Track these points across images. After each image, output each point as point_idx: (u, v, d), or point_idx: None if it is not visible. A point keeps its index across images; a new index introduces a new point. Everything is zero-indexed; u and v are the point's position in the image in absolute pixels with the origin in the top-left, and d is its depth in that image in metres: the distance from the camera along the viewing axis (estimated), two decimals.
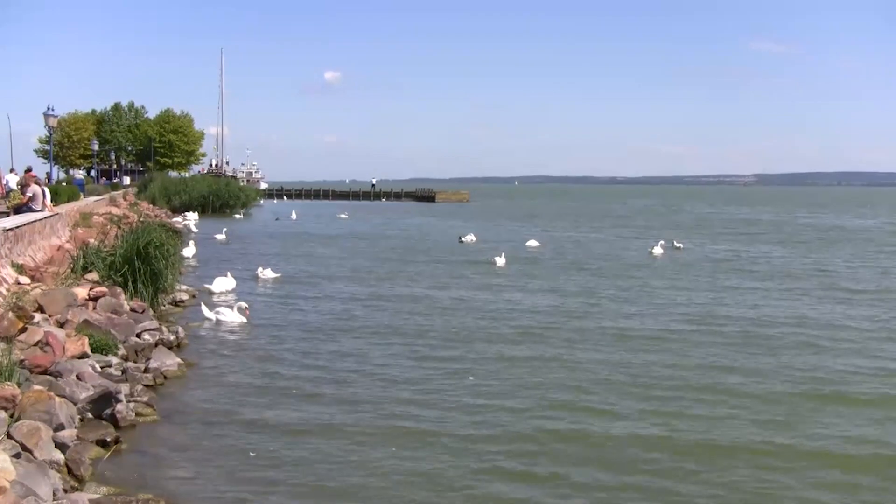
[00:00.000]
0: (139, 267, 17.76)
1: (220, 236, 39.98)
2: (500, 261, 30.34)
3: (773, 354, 14.99)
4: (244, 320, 17.74)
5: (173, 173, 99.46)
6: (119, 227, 26.47)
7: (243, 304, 18.20)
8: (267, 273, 25.38)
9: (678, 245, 37.67)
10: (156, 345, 14.29)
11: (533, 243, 38.78)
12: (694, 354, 14.87)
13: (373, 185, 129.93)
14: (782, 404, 11.71)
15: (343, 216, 66.19)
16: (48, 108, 36.84)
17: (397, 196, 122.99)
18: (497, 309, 19.81)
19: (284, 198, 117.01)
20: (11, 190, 27.94)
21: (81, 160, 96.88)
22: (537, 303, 20.85)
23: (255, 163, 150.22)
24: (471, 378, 13.22)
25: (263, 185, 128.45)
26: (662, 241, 37.12)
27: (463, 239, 40.98)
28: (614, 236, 48.35)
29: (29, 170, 30.24)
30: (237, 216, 63.56)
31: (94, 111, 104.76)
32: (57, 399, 9.29)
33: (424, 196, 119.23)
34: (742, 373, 13.52)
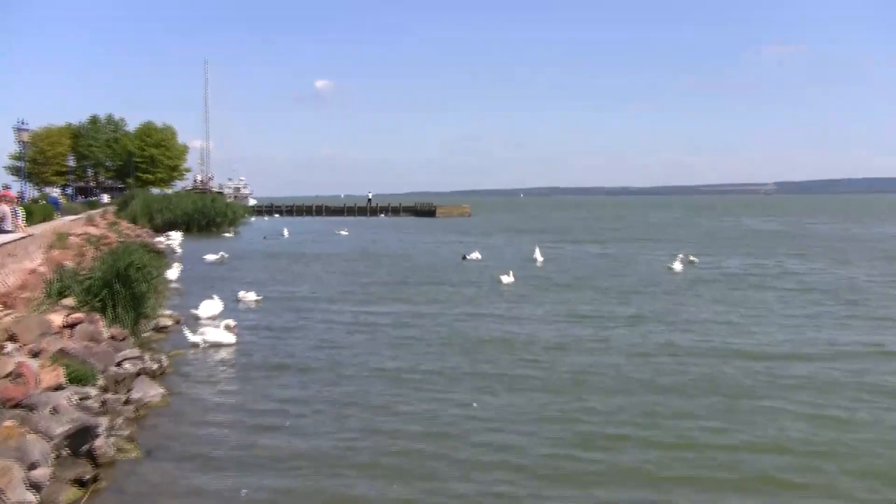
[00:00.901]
0: (119, 291, 17.69)
1: (213, 256, 40.01)
2: (507, 279, 30.26)
3: (807, 392, 14.22)
4: (232, 339, 17.89)
5: (155, 190, 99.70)
6: (97, 249, 26.47)
7: (231, 322, 18.35)
8: (249, 296, 25.40)
9: (692, 259, 37.57)
10: (137, 374, 14.22)
11: (541, 260, 38.74)
12: (722, 394, 14.02)
13: (369, 200, 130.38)
14: (825, 460, 10.80)
15: (343, 233, 66.28)
16: (19, 122, 36.93)
17: (395, 211, 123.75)
18: (503, 336, 19.49)
19: (275, 214, 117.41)
20: None
21: (57, 177, 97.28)
22: (547, 329, 20.50)
23: (242, 178, 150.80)
24: (474, 404, 13.15)
25: (252, 202, 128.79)
26: (681, 255, 37.03)
27: (467, 256, 40.97)
28: (628, 251, 48.27)
29: (6, 188, 30.31)
30: (227, 235, 63.36)
31: (69, 124, 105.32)
32: (30, 435, 9.19)
33: (424, 211, 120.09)
34: (771, 421, 12.48)
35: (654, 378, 15.35)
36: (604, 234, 69.43)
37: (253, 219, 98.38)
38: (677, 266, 35.04)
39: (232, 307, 23.65)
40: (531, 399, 13.83)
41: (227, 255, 40.73)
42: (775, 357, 17.15)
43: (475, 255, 41.48)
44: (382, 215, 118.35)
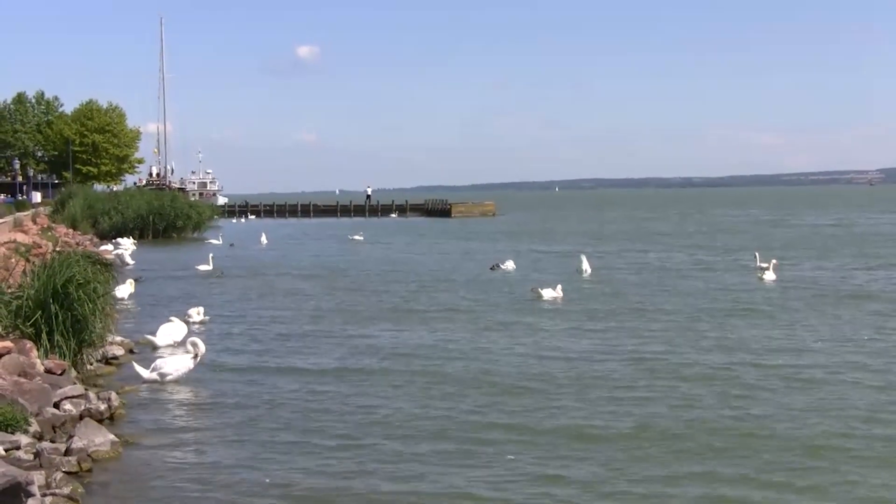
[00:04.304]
0: (56, 313, 17.66)
1: (206, 267, 40.71)
2: (551, 293, 30.23)
3: None
4: (198, 360, 18.18)
5: (100, 186, 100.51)
6: (28, 261, 26.47)
7: (196, 341, 18.57)
8: (196, 315, 25.75)
9: (764, 265, 37.14)
10: (81, 417, 14.20)
11: (588, 270, 38.58)
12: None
13: (368, 197, 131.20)
14: None
15: (357, 237, 66.33)
16: None
17: (401, 210, 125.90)
18: (543, 374, 18.89)
19: (251, 216, 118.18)
20: None
21: None
22: (603, 365, 19.75)
23: (209, 171, 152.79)
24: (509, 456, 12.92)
25: (221, 200, 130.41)
26: (774, 261, 36.80)
27: (500, 266, 40.97)
28: (698, 259, 48.22)
29: None
30: (214, 241, 61.74)
31: None
32: None
33: (437, 209, 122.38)
34: None
35: (736, 440, 14.79)
36: (664, 238, 69.27)
37: (231, 221, 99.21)
38: (769, 276, 35.03)
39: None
40: (570, 471, 13.08)
41: (213, 256, 42.16)
42: None
43: (508, 264, 41.42)
44: (393, 216, 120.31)
